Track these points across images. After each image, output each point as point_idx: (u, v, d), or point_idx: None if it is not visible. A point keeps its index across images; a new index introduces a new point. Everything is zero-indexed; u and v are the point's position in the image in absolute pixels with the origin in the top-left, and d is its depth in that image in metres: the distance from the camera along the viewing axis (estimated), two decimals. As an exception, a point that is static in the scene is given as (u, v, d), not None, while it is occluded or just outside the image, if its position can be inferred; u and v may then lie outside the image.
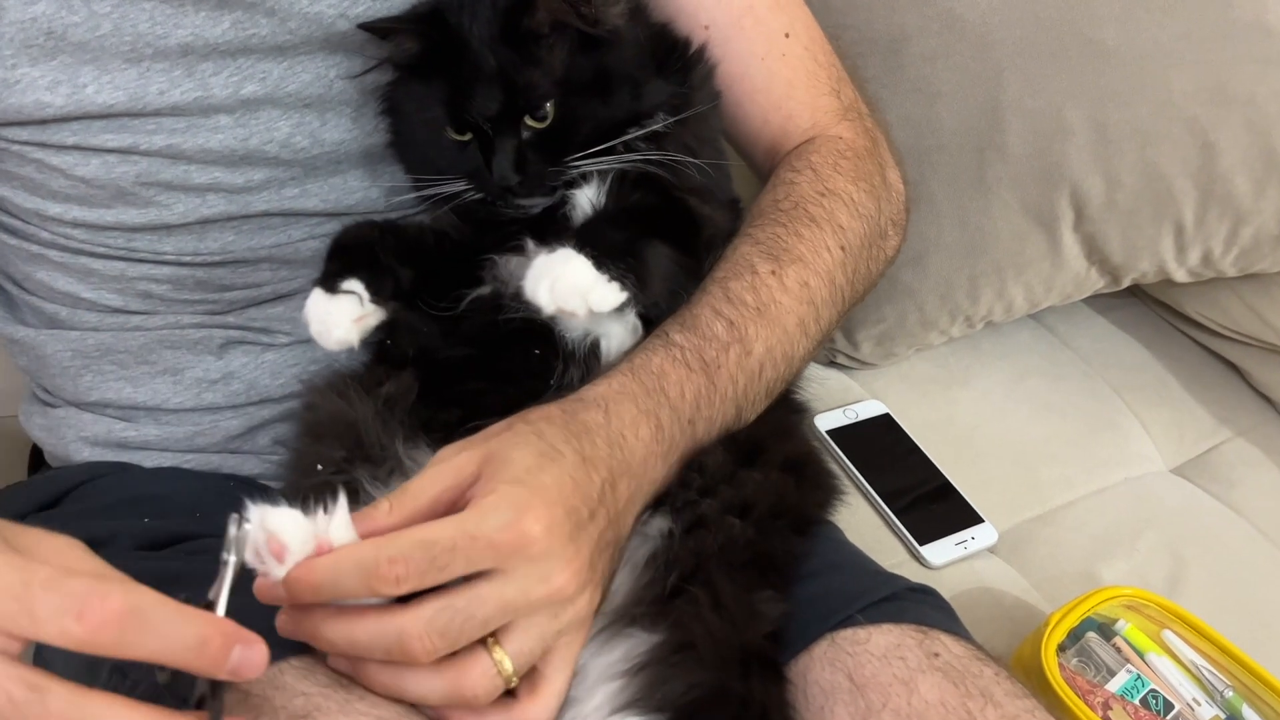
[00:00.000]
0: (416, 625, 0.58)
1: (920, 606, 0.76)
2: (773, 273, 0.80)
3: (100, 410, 0.89)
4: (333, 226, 0.86)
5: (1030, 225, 1.16)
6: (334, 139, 0.85)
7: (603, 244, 0.71)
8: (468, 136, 0.78)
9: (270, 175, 0.83)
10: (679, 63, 0.85)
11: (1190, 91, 1.10)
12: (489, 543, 0.59)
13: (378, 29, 0.79)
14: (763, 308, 0.78)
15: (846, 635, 0.72)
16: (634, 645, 0.68)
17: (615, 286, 0.70)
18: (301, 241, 0.87)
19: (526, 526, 0.60)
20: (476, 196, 0.79)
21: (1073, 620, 0.93)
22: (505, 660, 0.60)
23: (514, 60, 0.75)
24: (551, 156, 0.77)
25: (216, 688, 0.51)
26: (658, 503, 0.73)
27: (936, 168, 1.14)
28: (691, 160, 0.79)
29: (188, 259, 0.84)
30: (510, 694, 0.63)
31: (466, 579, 0.59)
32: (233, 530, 0.55)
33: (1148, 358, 1.35)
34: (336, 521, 0.59)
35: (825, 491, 0.83)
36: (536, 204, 0.79)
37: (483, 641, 0.60)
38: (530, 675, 0.63)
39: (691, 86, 0.85)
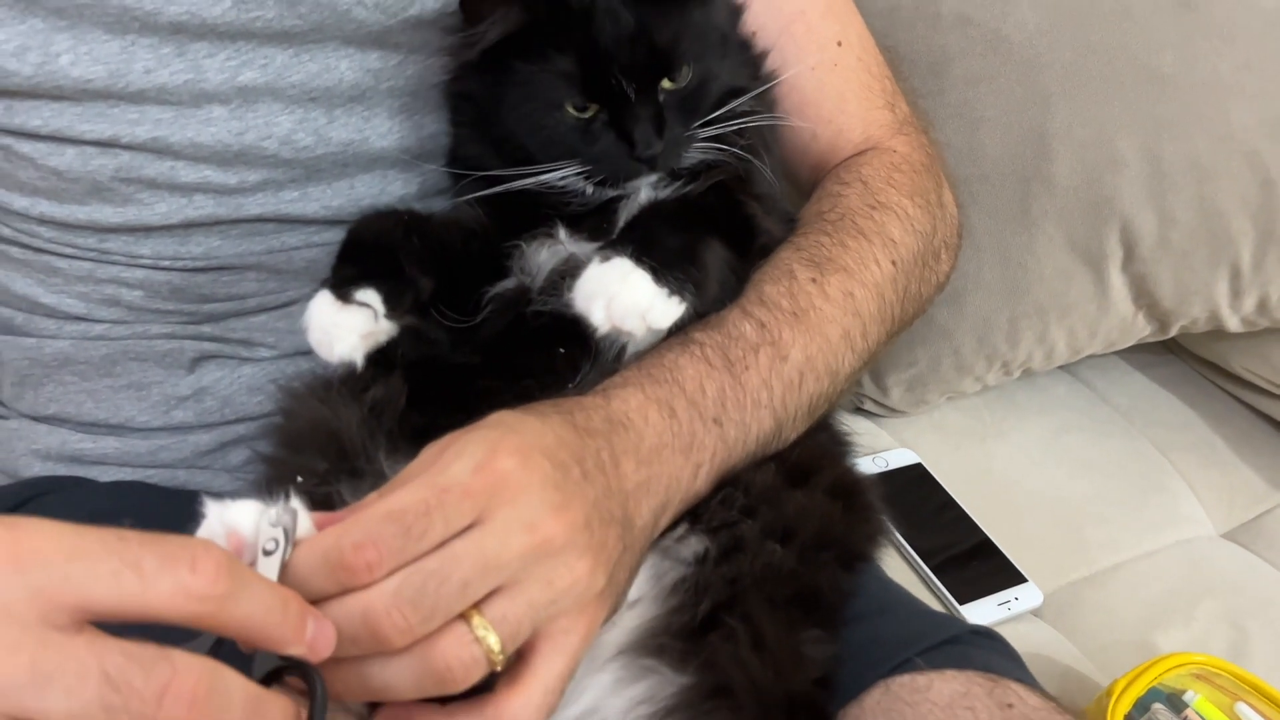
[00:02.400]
0: (382, 599, 0.48)
1: (988, 653, 0.69)
2: (813, 280, 0.74)
3: (58, 423, 0.81)
4: (333, 235, 0.77)
5: (1076, 263, 1.10)
6: (342, 138, 0.77)
7: (661, 251, 0.64)
8: (590, 112, 0.70)
9: (267, 176, 0.76)
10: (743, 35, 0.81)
11: (1251, 124, 1.06)
12: (464, 490, 0.50)
13: (470, 7, 0.71)
14: (800, 313, 0.72)
15: (904, 682, 0.65)
16: (658, 685, 0.60)
17: (675, 301, 0.64)
18: (295, 250, 0.79)
19: (499, 463, 0.52)
20: (583, 182, 0.72)
21: (1139, 689, 0.86)
22: (485, 627, 0.50)
23: (652, 16, 0.69)
24: (685, 122, 0.72)
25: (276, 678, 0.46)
26: (693, 520, 0.65)
27: (977, 199, 1.09)
28: (785, 122, 0.79)
29: (166, 263, 0.77)
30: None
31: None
32: (272, 513, 0.49)
33: (1191, 417, 1.29)
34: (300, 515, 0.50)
35: (873, 527, 0.74)
36: (643, 183, 0.73)
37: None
38: (514, 665, 0.53)
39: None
